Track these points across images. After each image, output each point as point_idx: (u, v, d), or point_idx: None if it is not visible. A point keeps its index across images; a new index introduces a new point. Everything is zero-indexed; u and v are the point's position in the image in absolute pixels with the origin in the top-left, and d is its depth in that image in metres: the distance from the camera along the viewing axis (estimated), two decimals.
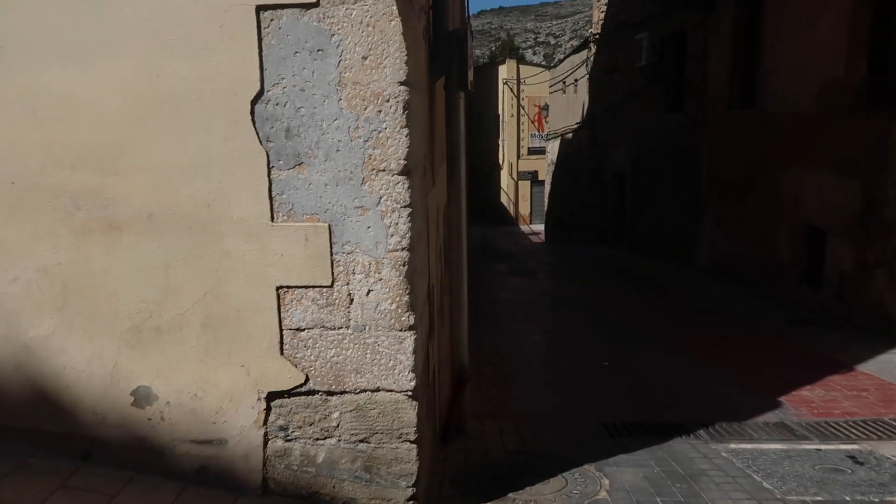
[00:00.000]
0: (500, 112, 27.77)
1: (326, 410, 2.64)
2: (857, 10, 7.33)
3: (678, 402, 4.86)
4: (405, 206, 2.46)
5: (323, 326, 2.57)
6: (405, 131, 2.40)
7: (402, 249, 2.49)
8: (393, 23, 2.33)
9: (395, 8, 2.32)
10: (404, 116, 2.40)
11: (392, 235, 2.48)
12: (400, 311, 2.54)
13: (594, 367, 5.85)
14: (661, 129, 14.03)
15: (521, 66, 26.99)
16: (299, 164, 2.45)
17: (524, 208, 27.74)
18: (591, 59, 18.68)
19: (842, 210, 7.52)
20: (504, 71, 27.30)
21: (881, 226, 6.84)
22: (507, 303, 9.60)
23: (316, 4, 2.33)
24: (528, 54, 76.10)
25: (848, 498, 3.06)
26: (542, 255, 17.00)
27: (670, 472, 3.38)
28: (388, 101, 2.38)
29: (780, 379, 5.26)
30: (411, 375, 2.60)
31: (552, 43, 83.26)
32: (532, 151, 27.33)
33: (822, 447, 3.80)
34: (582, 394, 5.11)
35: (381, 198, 2.45)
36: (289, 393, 2.63)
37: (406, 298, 2.53)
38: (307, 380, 2.62)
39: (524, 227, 26.89)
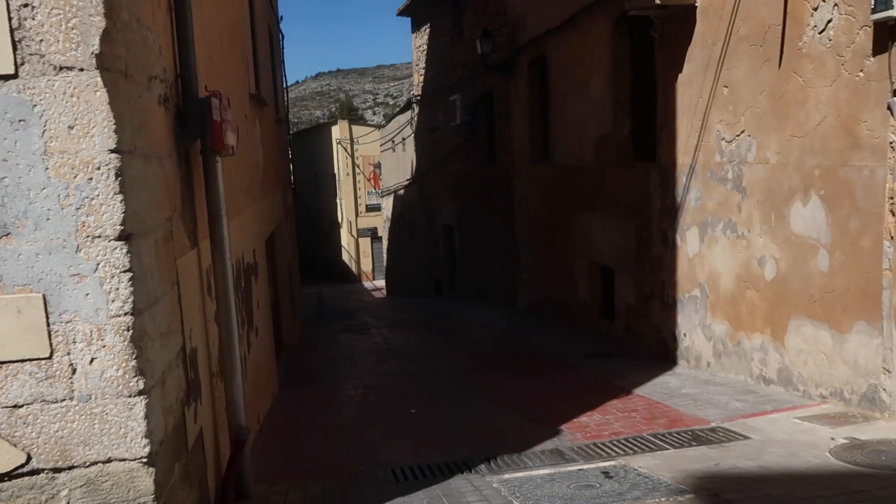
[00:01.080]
0: (336, 171, 28.02)
1: (54, 489, 2.52)
2: (617, 74, 8.40)
3: (472, 441, 5.10)
4: (125, 271, 2.47)
5: (44, 400, 2.47)
6: (119, 197, 2.43)
7: (126, 314, 2.49)
8: (98, 93, 2.38)
9: (99, 79, 2.38)
10: (118, 183, 2.43)
11: (113, 301, 2.47)
12: (127, 376, 2.51)
13: (401, 417, 5.99)
14: (480, 183, 14.90)
15: (353, 126, 27.56)
16: (6, 235, 2.39)
17: (366, 265, 27.91)
18: (415, 118, 19.54)
19: (623, 249, 8.41)
20: (337, 131, 27.72)
21: (651, 261, 7.72)
22: (332, 360, 9.57)
23: (14, 76, 2.33)
24: (368, 114, 77.82)
25: None
26: (379, 310, 17.13)
27: None
28: (98, 168, 2.40)
29: (567, 409, 5.70)
30: (145, 441, 2.56)
31: (391, 103, 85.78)
32: (370, 209, 27.72)
33: (585, 466, 4.17)
34: (381, 444, 5.21)
35: (98, 264, 2.44)
36: (9, 475, 2.49)
37: (133, 363, 2.51)
38: (29, 458, 2.49)
39: (367, 284, 27.00)
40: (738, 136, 6.05)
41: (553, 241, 10.77)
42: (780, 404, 5.34)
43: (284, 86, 14.55)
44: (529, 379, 7.25)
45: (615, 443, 4.69)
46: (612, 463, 4.20)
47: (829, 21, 4.91)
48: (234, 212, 5.02)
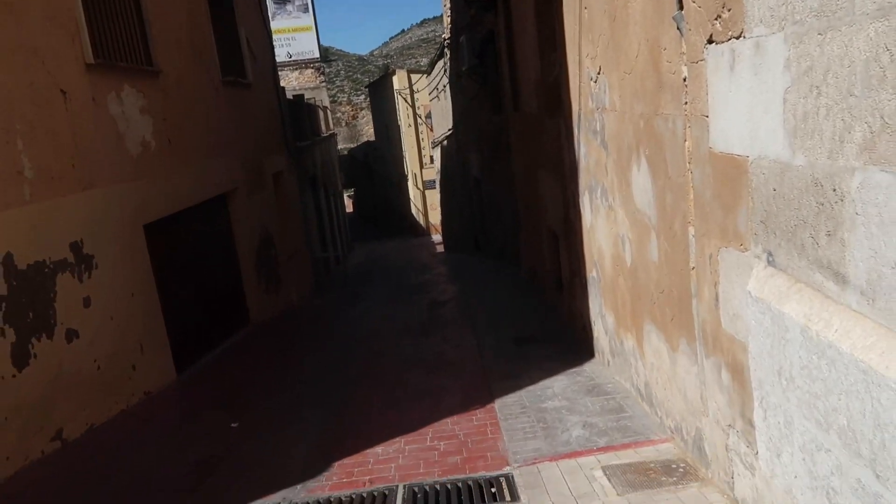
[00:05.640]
0: (399, 123, 27.33)
1: None
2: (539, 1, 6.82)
3: (230, 470, 4.32)
4: None
5: None
6: None
7: None
8: None
9: None
10: None
11: None
12: None
13: (223, 431, 5.27)
14: (493, 132, 13.54)
15: (412, 75, 26.52)
16: None
17: (434, 217, 27.19)
18: (448, 64, 18.22)
19: (558, 214, 7.01)
20: (396, 82, 26.86)
21: (572, 230, 6.32)
22: (280, 340, 9.02)
23: None
24: None
25: None
26: (408, 271, 16.34)
27: None
28: None
29: (379, 432, 4.70)
30: None
31: None
32: (435, 160, 26.83)
33: None
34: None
35: None
36: None
37: None
38: None
39: (435, 237, 26.40)
40: (598, 73, 4.53)
41: (528, 201, 9.42)
42: (625, 434, 4.03)
43: (270, 45, 13.87)
44: (415, 378, 6.21)
45: (344, 498, 3.69)
46: None
47: None
48: None
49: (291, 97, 17.27)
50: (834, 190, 1.91)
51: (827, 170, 1.93)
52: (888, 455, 1.64)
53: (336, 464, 4.22)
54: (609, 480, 3.39)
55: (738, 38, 2.38)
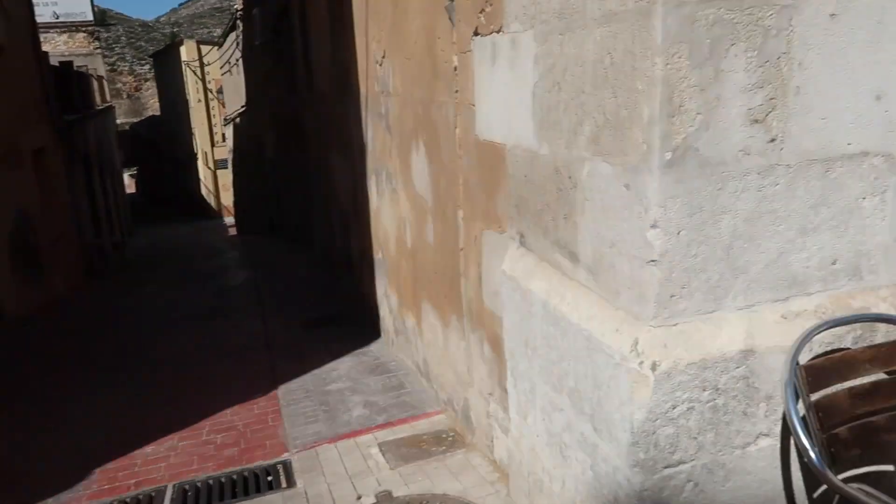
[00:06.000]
0: (188, 97, 25.45)
1: None
2: None
3: None
4: None
5: None
6: None
7: None
8: None
9: None
10: None
11: None
12: None
13: None
14: (288, 111, 13.12)
15: (202, 47, 24.83)
16: None
17: (227, 199, 25.82)
18: (241, 37, 17.31)
19: (349, 195, 7.00)
20: (185, 52, 24.99)
21: (360, 212, 6.35)
22: None
23: None
24: None
25: None
26: (200, 257, 15.36)
27: None
28: None
29: (159, 427, 4.37)
30: None
31: None
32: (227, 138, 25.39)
33: None
34: None
35: None
36: None
37: None
38: None
39: (228, 220, 25.09)
40: (383, 57, 4.59)
41: (322, 183, 9.30)
42: (403, 410, 4.17)
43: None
44: (196, 369, 5.88)
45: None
46: None
47: None
48: None
49: (58, 64, 15.26)
50: (570, 178, 2.12)
51: (565, 159, 2.14)
52: (603, 410, 1.88)
53: (97, 470, 3.84)
54: (384, 456, 3.49)
55: (498, 32, 2.54)
